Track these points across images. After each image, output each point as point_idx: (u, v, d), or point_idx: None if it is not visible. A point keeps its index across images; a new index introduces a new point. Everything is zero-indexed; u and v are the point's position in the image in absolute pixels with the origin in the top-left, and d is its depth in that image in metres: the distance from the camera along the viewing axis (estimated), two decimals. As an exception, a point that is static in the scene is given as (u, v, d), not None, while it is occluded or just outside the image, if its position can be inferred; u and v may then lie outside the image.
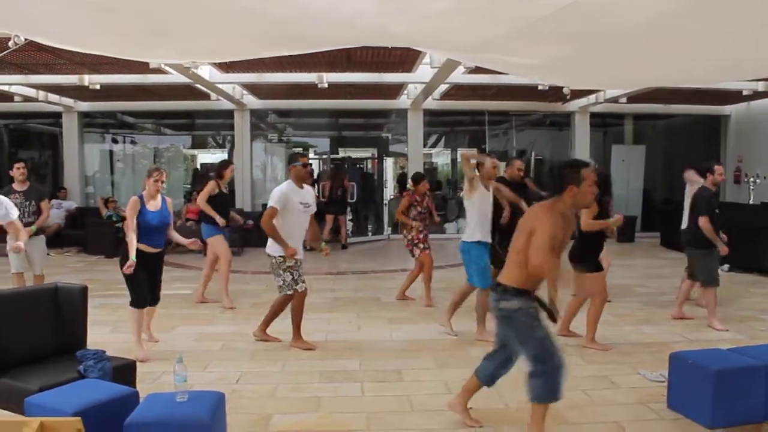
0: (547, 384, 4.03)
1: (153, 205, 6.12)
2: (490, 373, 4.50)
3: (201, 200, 8.16)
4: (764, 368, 4.53)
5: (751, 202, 11.96)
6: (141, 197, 6.08)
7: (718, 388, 4.39)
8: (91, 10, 4.02)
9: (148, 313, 6.42)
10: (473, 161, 6.79)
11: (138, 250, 5.96)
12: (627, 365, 5.83)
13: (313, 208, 6.55)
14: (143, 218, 6.02)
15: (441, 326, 7.02)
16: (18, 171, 7.75)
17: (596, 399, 5.00)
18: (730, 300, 8.60)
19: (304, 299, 6.43)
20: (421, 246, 8.30)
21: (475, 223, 6.54)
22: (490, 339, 5.97)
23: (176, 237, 6.53)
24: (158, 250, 6.21)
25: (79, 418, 2.79)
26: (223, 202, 8.40)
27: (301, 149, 19.03)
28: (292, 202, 6.22)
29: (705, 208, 7.06)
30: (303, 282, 6.37)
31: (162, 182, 6.13)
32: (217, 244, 8.28)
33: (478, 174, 6.62)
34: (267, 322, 6.65)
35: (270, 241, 6.29)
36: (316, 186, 8.34)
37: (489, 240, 6.64)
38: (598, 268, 6.42)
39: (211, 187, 8.17)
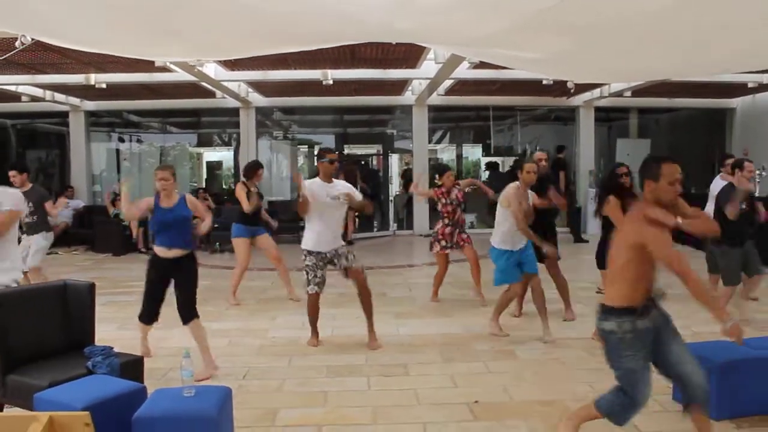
0: (616, 409, 3.80)
1: (166, 203, 5.85)
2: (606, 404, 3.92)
3: (245, 204, 8.10)
4: (769, 360, 4.55)
5: (757, 194, 11.91)
6: (157, 195, 5.89)
7: (723, 379, 4.42)
8: (97, 8, 4.05)
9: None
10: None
11: (155, 255, 5.83)
12: (632, 358, 5.83)
13: (342, 198, 6.28)
14: (155, 216, 5.83)
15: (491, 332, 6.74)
16: (11, 178, 7.56)
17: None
18: (738, 292, 8.56)
19: (316, 304, 6.41)
20: (443, 243, 8.09)
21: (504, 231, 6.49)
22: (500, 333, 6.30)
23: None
24: (175, 253, 5.71)
25: (88, 412, 2.82)
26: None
27: (306, 146, 19.08)
28: (319, 195, 6.14)
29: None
30: (316, 285, 6.28)
31: (164, 180, 5.83)
32: (239, 246, 8.34)
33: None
34: (312, 327, 6.55)
35: (304, 235, 6.34)
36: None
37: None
38: None
39: (239, 189, 8.26)
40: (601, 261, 6.18)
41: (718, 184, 7.78)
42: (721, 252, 7.00)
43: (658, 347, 3.77)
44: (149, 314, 5.88)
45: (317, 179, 6.33)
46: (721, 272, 7.09)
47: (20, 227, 6.50)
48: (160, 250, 5.70)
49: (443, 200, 8.03)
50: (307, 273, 6.26)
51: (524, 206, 6.40)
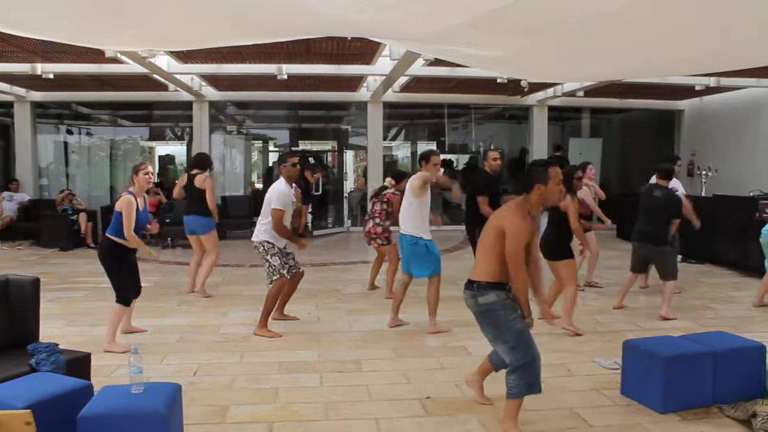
0: (526, 377, 4.06)
1: (141, 203, 6.06)
2: (500, 358, 4.32)
3: (211, 198, 8.28)
4: (712, 354, 4.69)
5: (703, 194, 12.24)
6: (132, 194, 6.00)
7: (669, 373, 4.53)
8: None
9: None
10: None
11: (121, 245, 6.00)
12: (582, 353, 5.94)
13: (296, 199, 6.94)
14: (137, 216, 5.98)
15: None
16: None
17: (552, 386, 5.07)
18: (682, 289, 8.79)
19: (283, 285, 6.68)
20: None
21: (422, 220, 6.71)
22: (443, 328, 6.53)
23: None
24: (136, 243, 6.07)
25: (29, 411, 2.74)
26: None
27: (260, 142, 18.91)
28: (289, 198, 6.60)
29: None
30: (291, 268, 6.70)
31: (151, 175, 6.13)
32: (213, 238, 8.37)
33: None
34: (266, 313, 6.68)
35: (257, 229, 6.67)
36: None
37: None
38: (566, 255, 6.68)
39: (210, 182, 8.38)
40: (547, 252, 6.54)
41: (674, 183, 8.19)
42: (659, 249, 7.34)
43: None
44: (128, 293, 6.20)
45: (283, 182, 6.64)
46: (660, 267, 7.43)
47: None
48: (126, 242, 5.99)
49: (384, 205, 8.35)
50: (279, 257, 6.57)
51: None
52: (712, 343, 4.83)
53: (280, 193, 6.50)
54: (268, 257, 6.58)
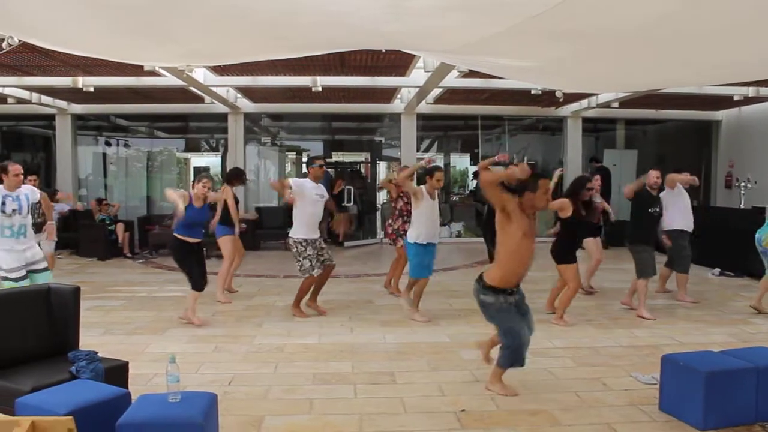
0: (511, 356, 5.08)
1: (199, 204, 7.33)
2: None
3: (233, 208, 8.67)
4: (754, 370, 4.57)
5: (741, 206, 12.02)
6: (191, 195, 7.28)
7: (709, 389, 4.43)
8: (86, 11, 4.02)
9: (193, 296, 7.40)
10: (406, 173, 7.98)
11: (183, 241, 7.22)
12: (619, 368, 5.85)
13: (325, 197, 7.87)
14: (189, 214, 7.11)
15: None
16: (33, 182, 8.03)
17: (588, 401, 5.02)
18: (722, 303, 8.65)
19: (313, 282, 7.71)
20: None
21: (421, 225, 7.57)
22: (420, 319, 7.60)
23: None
24: (198, 240, 7.35)
25: (71, 417, 2.79)
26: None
27: (294, 153, 19.05)
28: (308, 190, 7.54)
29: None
30: (319, 268, 7.63)
31: (209, 188, 7.44)
32: (227, 243, 8.72)
33: (418, 187, 7.63)
34: (297, 301, 7.82)
35: (293, 227, 7.66)
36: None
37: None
38: (570, 260, 7.48)
39: (230, 194, 8.75)
40: (555, 256, 7.57)
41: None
42: (636, 247, 8.08)
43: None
44: (199, 280, 7.32)
45: (308, 179, 7.68)
46: (636, 265, 8.06)
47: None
48: (189, 239, 7.24)
49: (405, 198, 8.69)
50: (310, 260, 7.54)
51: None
52: (754, 359, 4.71)
53: (301, 184, 7.58)
54: (301, 259, 7.57)
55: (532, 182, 5.04)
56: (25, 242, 6.39)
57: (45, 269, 6.53)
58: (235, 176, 9.15)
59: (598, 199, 8.94)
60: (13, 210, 6.28)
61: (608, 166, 15.23)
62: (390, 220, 9.11)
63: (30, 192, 6.58)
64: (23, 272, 6.25)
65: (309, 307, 7.96)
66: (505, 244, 4.98)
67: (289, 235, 7.71)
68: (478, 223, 16.15)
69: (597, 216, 8.83)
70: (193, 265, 7.28)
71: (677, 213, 8.62)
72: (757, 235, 8.09)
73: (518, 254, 4.95)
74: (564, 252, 7.52)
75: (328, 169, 15.23)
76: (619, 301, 8.59)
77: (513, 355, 5.06)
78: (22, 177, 6.59)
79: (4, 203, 6.22)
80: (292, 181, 7.66)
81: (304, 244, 7.53)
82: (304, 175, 7.80)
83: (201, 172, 18.98)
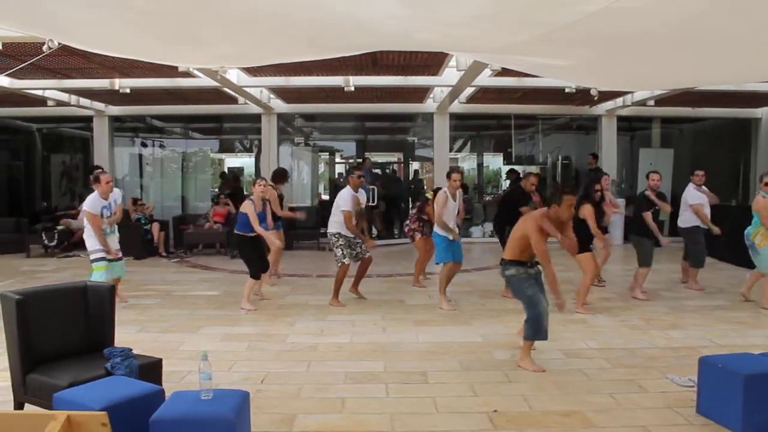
0: (534, 326, 5.70)
1: (259, 206, 8.23)
2: None
3: (276, 204, 9.58)
4: (796, 373, 4.45)
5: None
6: (252, 201, 8.18)
7: (749, 393, 4.33)
8: (124, 15, 4.07)
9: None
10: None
11: (245, 237, 8.21)
12: (655, 369, 5.75)
13: (363, 203, 8.74)
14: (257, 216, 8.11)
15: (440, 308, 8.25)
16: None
17: (624, 403, 4.94)
18: (760, 304, 8.46)
19: (346, 271, 8.42)
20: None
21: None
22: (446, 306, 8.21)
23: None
24: (255, 234, 8.20)
25: (105, 413, 2.82)
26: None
27: (327, 153, 19.13)
28: (352, 201, 8.32)
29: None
30: (351, 258, 8.39)
31: (263, 185, 8.46)
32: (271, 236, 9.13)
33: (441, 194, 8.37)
34: (335, 292, 8.45)
35: (330, 222, 8.51)
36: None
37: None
38: (586, 250, 8.00)
39: (273, 191, 9.57)
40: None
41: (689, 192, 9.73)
42: (638, 240, 9.01)
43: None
44: (258, 270, 8.29)
45: (348, 189, 8.47)
46: (638, 256, 8.97)
47: None
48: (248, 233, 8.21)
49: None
50: (342, 249, 8.33)
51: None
52: (795, 362, 4.61)
53: (349, 196, 8.34)
54: (335, 249, 8.42)
55: (557, 197, 5.82)
56: (113, 238, 8.17)
57: (119, 259, 8.23)
58: (279, 176, 10.49)
59: (606, 198, 9.60)
60: (108, 216, 8.00)
61: (644, 165, 15.02)
62: (408, 221, 10.09)
63: (118, 196, 8.24)
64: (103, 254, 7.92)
65: (350, 292, 8.81)
66: (524, 239, 5.76)
67: (328, 229, 8.53)
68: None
69: (608, 215, 9.42)
70: (253, 256, 8.24)
71: (690, 211, 9.58)
72: (746, 231, 8.53)
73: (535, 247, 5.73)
74: (580, 243, 7.41)
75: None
76: (653, 302, 8.53)
77: (535, 325, 5.70)
78: (113, 184, 8.22)
79: (102, 213, 7.89)
80: (339, 198, 8.47)
81: (338, 236, 8.36)
82: (336, 180, 8.66)
83: (235, 172, 19.26)
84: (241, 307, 8.15)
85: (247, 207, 8.11)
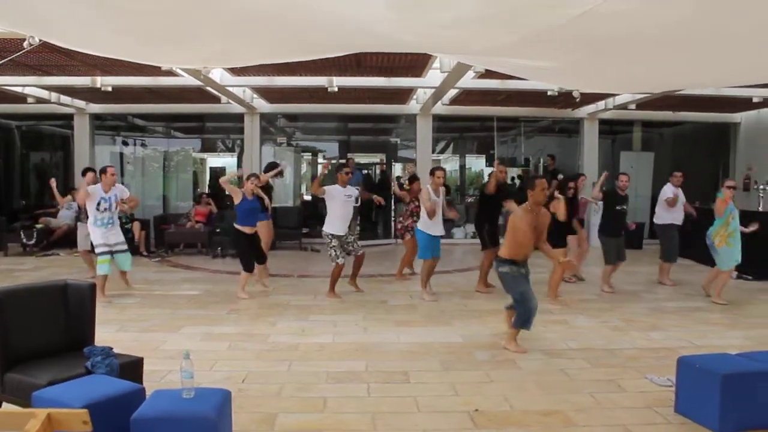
0: (521, 317, 6.27)
1: (249, 196, 8.83)
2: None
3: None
4: (772, 373, 4.52)
5: (760, 209, 11.89)
6: (243, 192, 8.81)
7: (726, 392, 4.39)
8: (107, 13, 4.04)
9: (260, 271, 9.34)
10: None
11: (240, 231, 8.78)
12: (634, 370, 5.81)
13: (354, 198, 9.11)
14: (243, 205, 8.75)
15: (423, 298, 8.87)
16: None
17: (603, 402, 4.99)
18: (740, 306, 8.58)
19: (341, 269, 8.82)
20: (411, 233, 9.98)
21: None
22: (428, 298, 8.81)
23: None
24: (253, 229, 8.94)
25: (86, 410, 2.80)
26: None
27: (309, 154, 19.09)
28: (337, 193, 8.76)
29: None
30: (343, 258, 8.74)
31: (257, 184, 9.10)
32: (262, 227, 9.76)
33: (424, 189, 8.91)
34: (331, 286, 8.94)
35: (326, 223, 8.83)
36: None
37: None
38: (562, 245, 8.54)
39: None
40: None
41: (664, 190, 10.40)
42: (601, 239, 9.64)
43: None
44: (250, 264, 8.91)
45: (337, 185, 8.86)
46: (604, 255, 9.59)
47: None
48: (245, 228, 8.79)
49: (415, 202, 9.93)
50: (335, 250, 8.68)
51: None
52: (771, 362, 4.67)
53: (332, 190, 8.78)
54: (328, 249, 8.78)
55: (530, 182, 6.43)
56: (112, 230, 8.74)
57: (125, 251, 8.93)
58: (270, 170, 11.00)
59: (580, 196, 10.19)
60: (105, 208, 8.60)
61: (625, 168, 15.12)
62: (401, 218, 10.53)
63: (121, 191, 8.82)
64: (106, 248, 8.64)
65: (349, 284, 9.33)
66: (515, 235, 6.29)
67: (323, 228, 8.90)
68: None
69: (582, 210, 10.21)
70: (246, 250, 8.87)
71: (664, 210, 10.24)
72: (708, 231, 9.05)
73: (524, 238, 6.27)
74: (552, 238, 7.74)
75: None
76: (633, 304, 8.66)
77: (524, 318, 6.27)
78: (116, 177, 8.89)
79: (99, 204, 8.52)
80: (326, 188, 8.82)
81: (331, 237, 8.73)
82: (325, 176, 9.55)
83: (217, 172, 19.19)
84: (237, 295, 8.81)
85: (233, 192, 8.85)
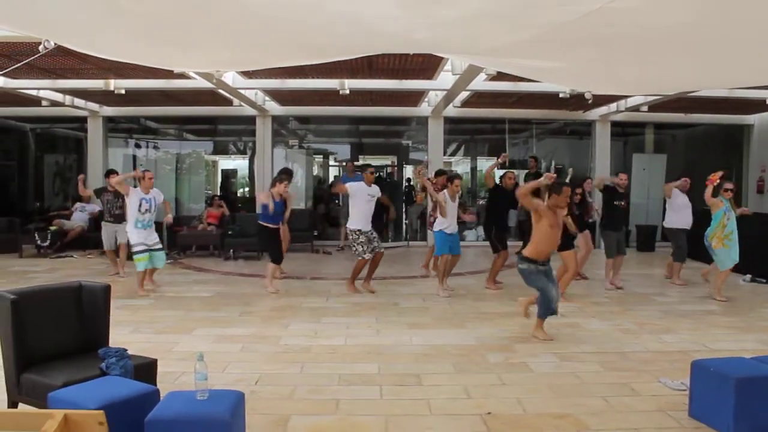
0: (543, 305, 6.77)
1: (278, 198, 9.43)
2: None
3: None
4: (787, 377, 4.48)
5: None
6: (272, 194, 9.41)
7: (740, 396, 4.36)
8: (120, 19, 4.07)
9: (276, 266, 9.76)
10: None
11: (267, 228, 9.44)
12: (647, 373, 5.78)
13: (376, 196, 9.55)
14: (276, 208, 9.31)
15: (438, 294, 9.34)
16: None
17: (616, 406, 4.97)
18: (752, 309, 8.52)
19: (365, 263, 9.37)
20: None
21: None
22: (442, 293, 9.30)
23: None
24: (277, 226, 9.53)
25: (102, 411, 2.83)
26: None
27: (321, 156, 19.13)
28: (361, 191, 9.38)
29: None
30: (370, 252, 9.29)
31: (287, 187, 9.64)
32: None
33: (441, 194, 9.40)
34: (352, 279, 9.57)
35: (350, 220, 9.37)
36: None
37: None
38: (570, 247, 8.86)
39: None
40: (559, 246, 7.98)
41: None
42: (602, 233, 10.37)
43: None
44: (279, 256, 9.64)
45: (362, 183, 9.50)
46: (605, 249, 10.15)
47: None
48: (271, 225, 9.44)
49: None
50: (362, 245, 9.24)
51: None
52: (786, 366, 4.64)
53: (357, 186, 9.42)
54: (355, 245, 9.31)
55: (557, 188, 6.86)
56: (150, 231, 9.33)
57: (160, 249, 9.52)
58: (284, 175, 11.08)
59: (589, 199, 10.50)
60: (146, 209, 9.22)
61: (637, 170, 15.06)
62: (431, 212, 10.85)
63: (157, 194, 9.50)
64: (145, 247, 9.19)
65: (363, 287, 9.56)
66: (537, 233, 6.74)
67: (347, 225, 9.45)
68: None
69: (589, 213, 10.30)
70: (273, 242, 9.51)
71: (674, 213, 10.53)
72: (705, 233, 9.34)
73: (547, 239, 6.74)
74: (563, 242, 8.10)
75: (357, 172, 15.32)
76: (646, 306, 8.63)
77: (546, 306, 6.76)
78: (153, 180, 9.56)
79: (140, 204, 9.16)
80: (348, 185, 9.55)
81: (358, 233, 9.25)
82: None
83: (229, 174, 19.27)
84: (265, 287, 9.48)
85: (262, 197, 9.56)
